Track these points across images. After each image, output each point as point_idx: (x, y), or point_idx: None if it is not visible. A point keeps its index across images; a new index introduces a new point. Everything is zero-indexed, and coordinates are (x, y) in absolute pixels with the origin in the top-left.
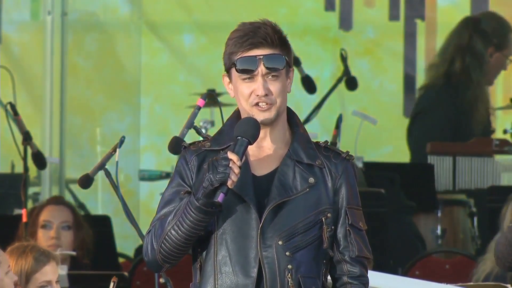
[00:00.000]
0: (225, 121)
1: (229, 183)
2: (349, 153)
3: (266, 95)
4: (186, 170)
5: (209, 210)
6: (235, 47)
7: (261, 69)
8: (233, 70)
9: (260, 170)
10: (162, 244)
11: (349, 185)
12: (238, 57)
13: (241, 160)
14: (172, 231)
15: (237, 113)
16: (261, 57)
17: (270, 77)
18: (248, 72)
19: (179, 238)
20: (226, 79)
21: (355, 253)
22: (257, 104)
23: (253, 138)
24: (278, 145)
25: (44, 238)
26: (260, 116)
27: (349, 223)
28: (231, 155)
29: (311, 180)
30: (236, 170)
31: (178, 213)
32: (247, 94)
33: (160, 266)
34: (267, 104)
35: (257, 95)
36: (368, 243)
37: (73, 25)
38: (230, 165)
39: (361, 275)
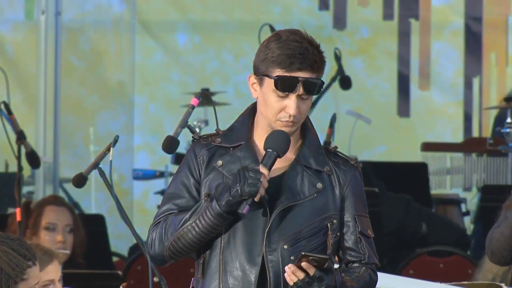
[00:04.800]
0: (237, 117)
1: (256, 196)
2: (358, 160)
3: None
4: (194, 164)
5: (229, 217)
6: (279, 64)
7: (299, 90)
8: (268, 80)
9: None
10: (173, 242)
11: (358, 192)
12: (280, 74)
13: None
14: (187, 231)
15: (249, 111)
16: (303, 79)
17: (303, 97)
18: (287, 92)
19: (192, 239)
20: (252, 79)
21: (365, 260)
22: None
23: (283, 152)
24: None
25: (50, 241)
26: (282, 129)
27: (359, 230)
28: (262, 169)
29: (319, 185)
30: (266, 184)
31: (194, 215)
32: (277, 109)
33: (165, 261)
34: (293, 122)
35: (288, 113)
36: (375, 250)
37: (67, 25)
38: (261, 179)
39: (370, 269)
